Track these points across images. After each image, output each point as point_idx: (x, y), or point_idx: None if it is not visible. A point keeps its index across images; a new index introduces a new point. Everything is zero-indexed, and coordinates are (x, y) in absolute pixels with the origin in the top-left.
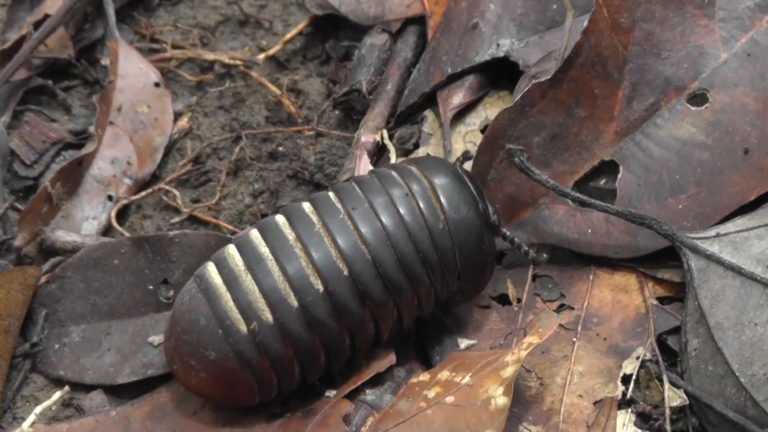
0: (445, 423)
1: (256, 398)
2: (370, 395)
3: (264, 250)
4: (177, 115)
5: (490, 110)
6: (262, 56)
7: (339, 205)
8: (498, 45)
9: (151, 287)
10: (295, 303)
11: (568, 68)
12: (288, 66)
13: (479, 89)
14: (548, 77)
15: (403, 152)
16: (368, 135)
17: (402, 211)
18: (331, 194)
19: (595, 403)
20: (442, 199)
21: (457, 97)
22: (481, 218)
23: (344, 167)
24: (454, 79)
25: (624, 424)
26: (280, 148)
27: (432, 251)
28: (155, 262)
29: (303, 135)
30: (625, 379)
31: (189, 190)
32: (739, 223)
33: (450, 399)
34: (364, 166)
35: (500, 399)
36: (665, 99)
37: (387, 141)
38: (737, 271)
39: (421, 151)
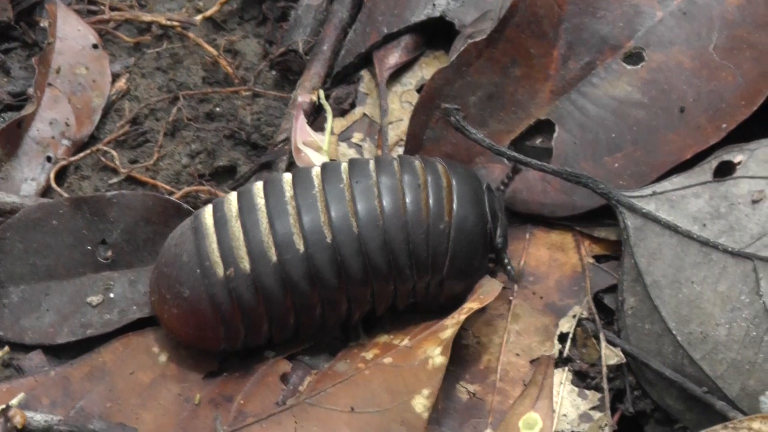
0: (382, 383)
1: (221, 345)
2: (308, 356)
3: (260, 201)
4: (115, 77)
5: (426, 70)
6: (199, 17)
7: (344, 176)
8: (434, 5)
9: (89, 248)
10: (273, 258)
11: (504, 28)
12: (225, 27)
13: (415, 49)
14: (484, 37)
15: (340, 112)
16: (305, 95)
17: (407, 198)
18: (343, 164)
19: (532, 361)
20: (455, 203)
21: (393, 57)
22: (484, 237)
23: (281, 127)
24: (390, 39)
25: (561, 383)
26: (217, 109)
27: (424, 247)
28: (93, 222)
29: (240, 95)
30: (562, 338)
31: (127, 151)
32: (676, 181)
33: (388, 360)
34: (300, 126)
35: (438, 359)
36: (601, 58)
37: (323, 101)
38: (674, 229)
39: (357, 111)
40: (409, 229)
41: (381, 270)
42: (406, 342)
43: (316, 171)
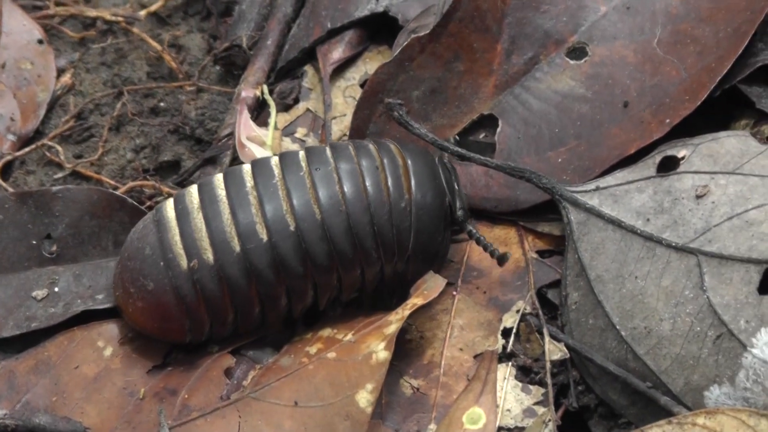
0: (326, 377)
1: (186, 337)
2: (252, 350)
3: (221, 192)
4: (60, 72)
5: (369, 65)
6: (143, 12)
7: (303, 164)
8: (377, 0)
9: (34, 242)
10: (237, 248)
11: (447, 22)
12: (169, 22)
13: (359, 44)
14: (427, 32)
15: (283, 107)
16: (249, 90)
17: (367, 181)
18: (301, 153)
19: (476, 356)
20: (412, 181)
21: (337, 52)
22: (444, 211)
23: (225, 122)
24: (333, 34)
25: (505, 378)
26: (162, 104)
27: (388, 227)
28: (38, 216)
29: (184, 90)
30: (506, 333)
31: (72, 146)
32: (619, 176)
33: (332, 354)
34: (244, 121)
35: (381, 353)
36: (544, 52)
37: (267, 96)
38: (617, 224)
39: (300, 106)
40: (372, 211)
41: (346, 255)
42: (349, 337)
43: (275, 160)
